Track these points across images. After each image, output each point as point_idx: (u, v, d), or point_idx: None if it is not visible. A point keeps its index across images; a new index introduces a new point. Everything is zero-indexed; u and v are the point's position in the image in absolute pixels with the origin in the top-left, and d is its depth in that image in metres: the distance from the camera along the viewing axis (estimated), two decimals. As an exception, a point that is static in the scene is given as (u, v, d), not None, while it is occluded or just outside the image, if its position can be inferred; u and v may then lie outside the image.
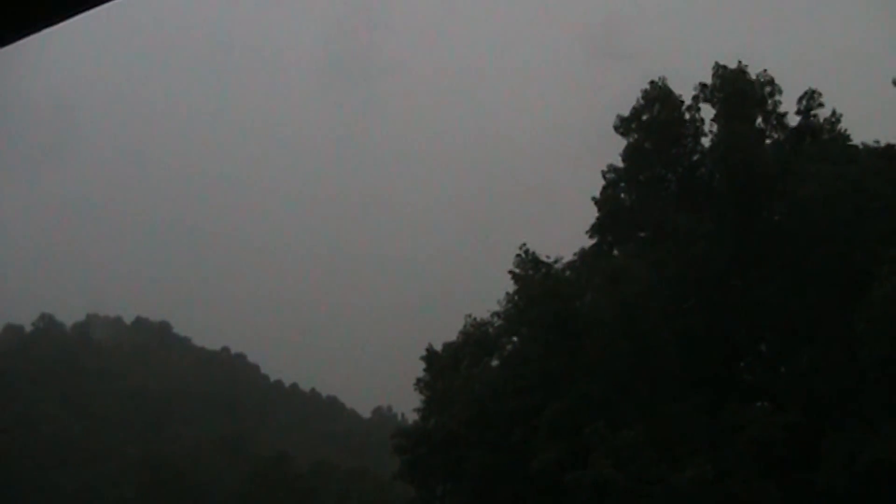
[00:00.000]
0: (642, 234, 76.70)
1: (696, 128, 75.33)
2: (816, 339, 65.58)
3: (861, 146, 71.67)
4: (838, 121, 73.49)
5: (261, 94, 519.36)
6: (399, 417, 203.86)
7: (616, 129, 76.59)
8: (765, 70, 73.61)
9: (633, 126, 75.95)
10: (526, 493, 68.79)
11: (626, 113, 76.10)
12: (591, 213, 76.77)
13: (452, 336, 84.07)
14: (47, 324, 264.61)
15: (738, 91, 72.57)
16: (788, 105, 73.91)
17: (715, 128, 74.17)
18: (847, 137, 73.23)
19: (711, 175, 74.91)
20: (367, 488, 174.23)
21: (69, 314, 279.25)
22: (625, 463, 60.99)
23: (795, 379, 66.65)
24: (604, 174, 77.23)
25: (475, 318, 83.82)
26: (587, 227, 77.05)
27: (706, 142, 75.23)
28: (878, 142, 70.00)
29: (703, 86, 74.14)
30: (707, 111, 74.64)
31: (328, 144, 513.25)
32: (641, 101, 75.80)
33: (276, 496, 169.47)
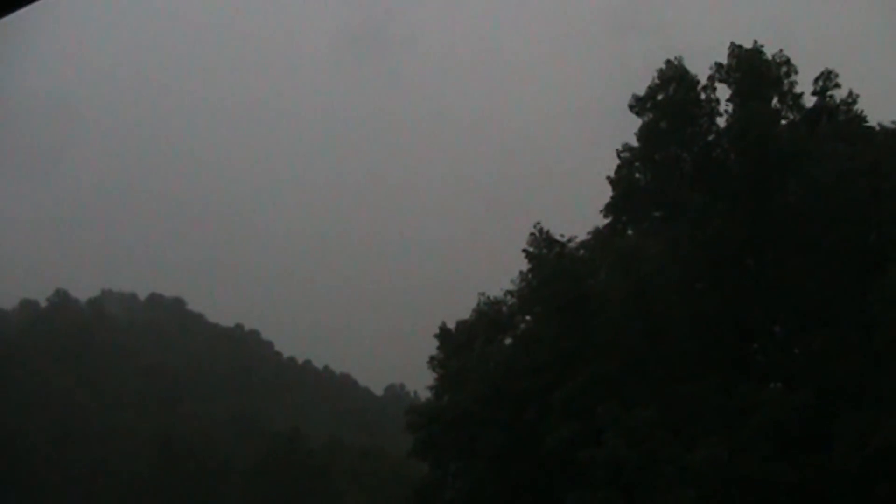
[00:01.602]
0: (657, 214, 76.58)
1: (712, 108, 75.07)
2: (831, 320, 65.54)
3: (878, 127, 71.41)
4: (855, 101, 73.15)
5: (275, 69, 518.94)
6: (412, 395, 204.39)
7: (631, 108, 76.41)
8: (781, 50, 73.41)
9: (649, 105, 75.73)
10: (539, 472, 69.08)
11: (645, 89, 75.92)
12: (607, 192, 76.71)
13: (466, 314, 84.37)
14: (62, 299, 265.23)
15: (753, 71, 72.34)
16: (804, 86, 73.72)
17: (730, 108, 73.95)
18: (863, 118, 72.92)
19: (726, 155, 74.72)
20: (380, 466, 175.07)
21: (84, 290, 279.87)
22: (638, 442, 61.13)
23: (809, 360, 66.61)
24: (618, 153, 77.10)
25: (489, 297, 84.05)
26: (602, 206, 76.97)
27: (721, 122, 74.97)
28: (894, 123, 69.72)
29: (719, 66, 73.90)
30: (723, 91, 74.45)
31: (343, 120, 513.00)
32: (657, 81, 75.58)
33: (289, 473, 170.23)
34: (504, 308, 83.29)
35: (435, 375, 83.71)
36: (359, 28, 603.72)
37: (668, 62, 75.34)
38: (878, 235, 63.50)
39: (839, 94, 73.16)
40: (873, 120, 72.22)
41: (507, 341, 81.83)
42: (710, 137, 75.20)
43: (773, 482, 60.60)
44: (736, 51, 73.07)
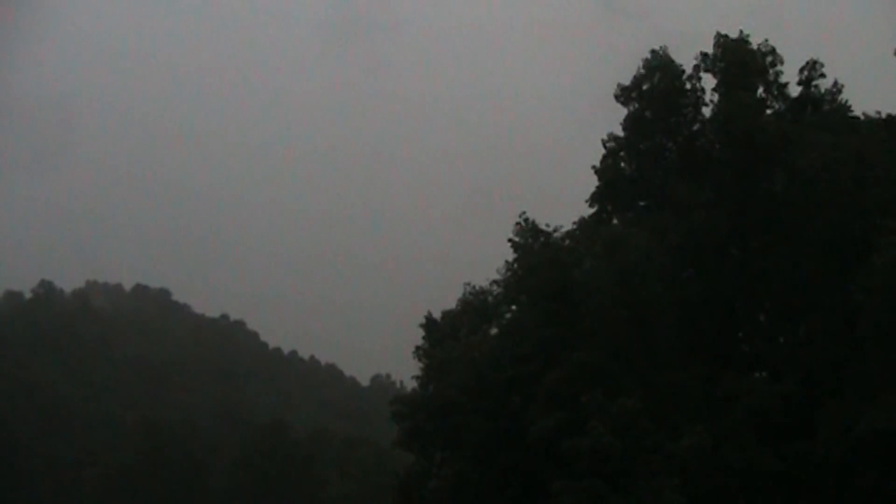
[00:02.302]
0: (642, 203, 76.71)
1: (697, 97, 75.22)
2: (815, 308, 65.70)
3: (862, 117, 71.54)
4: (839, 91, 73.35)
5: (263, 52, 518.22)
6: (398, 385, 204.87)
7: (616, 97, 76.53)
8: (766, 40, 73.52)
9: (634, 95, 75.85)
10: (524, 460, 69.09)
11: (630, 78, 76.00)
12: (592, 181, 76.85)
13: (451, 304, 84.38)
14: (47, 290, 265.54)
15: (739, 61, 72.40)
16: (790, 75, 73.85)
17: (715, 97, 74.08)
18: (848, 108, 73.09)
19: (711, 145, 74.90)
20: (365, 455, 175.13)
21: (69, 281, 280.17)
22: (622, 431, 61.15)
23: (793, 349, 66.81)
24: (604, 143, 77.23)
25: (474, 287, 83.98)
26: (588, 195, 77.04)
27: (707, 111, 75.13)
28: (879, 112, 69.84)
29: (704, 55, 73.99)
30: (708, 81, 74.57)
31: (331, 104, 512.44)
32: (642, 70, 75.67)
33: (275, 463, 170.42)
34: (489, 298, 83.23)
35: (420, 365, 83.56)
36: (343, 14, 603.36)
37: (653, 52, 75.50)
38: (863, 224, 63.49)
39: (824, 84, 73.42)
40: (858, 110, 72.45)
41: (493, 331, 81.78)
42: (696, 127, 75.38)
43: (757, 470, 60.88)
44: (721, 40, 73.12)
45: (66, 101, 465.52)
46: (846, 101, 73.14)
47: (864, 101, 72.91)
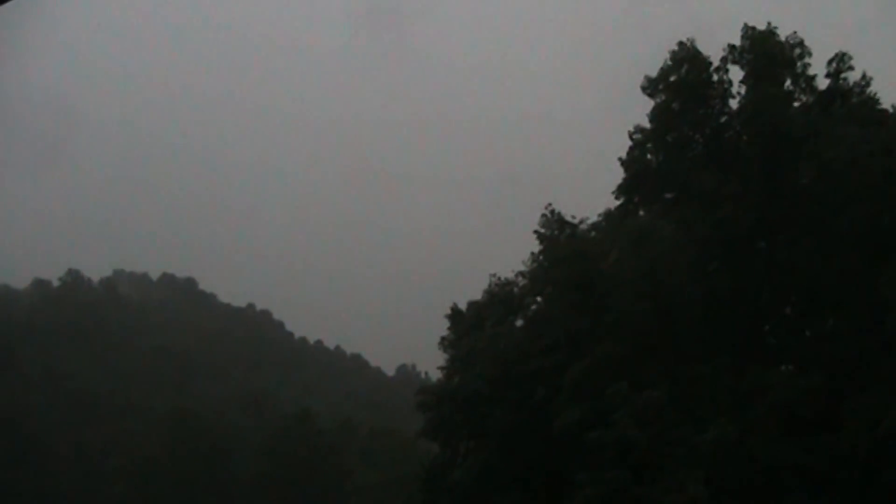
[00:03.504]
0: (668, 196, 76.47)
1: (724, 89, 74.89)
2: (842, 303, 65.49)
3: (891, 110, 71.15)
4: (868, 84, 72.83)
5: (290, 39, 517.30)
6: (423, 376, 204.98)
7: (643, 89, 76.30)
8: (794, 32, 73.16)
9: (661, 87, 75.63)
10: (548, 452, 69.20)
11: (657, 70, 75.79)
12: (620, 172, 76.73)
13: (477, 295, 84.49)
14: (74, 279, 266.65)
15: (766, 53, 72.13)
16: (818, 68, 73.49)
17: (743, 90, 73.80)
18: (877, 101, 72.62)
19: (739, 137, 74.63)
20: (390, 446, 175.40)
21: (96, 270, 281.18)
22: (647, 423, 61.21)
23: (819, 343, 66.58)
24: (630, 135, 77.06)
25: (500, 278, 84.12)
26: (615, 186, 76.96)
27: (734, 104, 74.85)
28: (908, 106, 69.51)
29: (732, 47, 73.70)
30: (735, 73, 74.31)
31: (357, 93, 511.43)
32: (669, 62, 75.46)
33: (300, 453, 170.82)
34: (515, 289, 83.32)
35: (446, 356, 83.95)
36: (370, 2, 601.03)
37: (681, 43, 75.20)
38: (891, 218, 63.23)
39: (853, 77, 73.02)
40: (887, 103, 72.04)
41: (518, 322, 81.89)
42: (723, 119, 75.06)
43: (781, 464, 60.70)
44: (749, 32, 72.88)
45: (78, 94, 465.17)
46: (875, 94, 72.73)
47: (893, 93, 72.51)
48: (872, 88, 72.66)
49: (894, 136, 66.67)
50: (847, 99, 72.83)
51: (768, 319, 72.77)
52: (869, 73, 72.42)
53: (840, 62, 72.90)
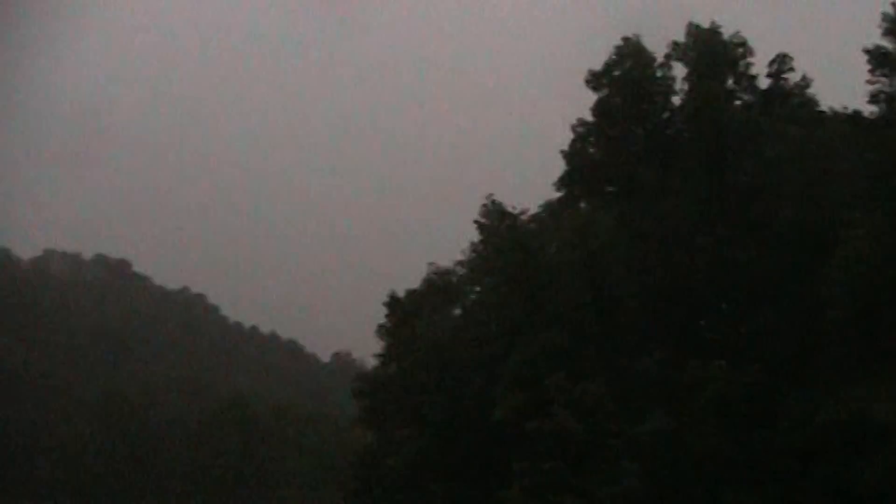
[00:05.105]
0: (609, 189, 76.93)
1: (668, 85, 75.52)
2: (779, 298, 66.23)
3: (829, 111, 72.06)
4: (808, 85, 73.78)
5: (241, 15, 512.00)
6: (359, 363, 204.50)
7: (587, 83, 76.60)
8: (738, 31, 73.80)
9: (605, 81, 76.01)
10: (486, 442, 69.45)
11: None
12: (561, 164, 76.98)
13: (416, 284, 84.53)
14: (3, 258, 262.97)
15: (710, 51, 72.70)
16: (759, 68, 74.24)
17: (686, 86, 74.39)
18: (816, 102, 73.60)
19: (680, 133, 75.18)
20: (324, 432, 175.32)
21: (26, 249, 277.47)
22: (585, 414, 61.60)
23: (756, 338, 67.28)
24: (573, 128, 77.35)
25: (439, 267, 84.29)
26: (555, 177, 77.21)
27: (676, 100, 75.45)
28: (846, 108, 70.35)
29: (676, 44, 74.27)
30: (679, 70, 74.88)
31: (307, 71, 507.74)
32: (614, 57, 75.84)
33: (233, 438, 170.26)
34: (454, 278, 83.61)
35: (383, 344, 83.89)
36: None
37: (625, 39, 75.63)
38: (829, 216, 64.09)
39: (793, 78, 73.84)
40: (824, 105, 72.97)
41: (457, 311, 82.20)
42: (665, 115, 75.68)
43: (718, 457, 61.34)
44: (693, 30, 73.44)
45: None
46: (814, 96, 73.70)
47: (832, 96, 73.48)
48: (811, 90, 73.69)
49: (833, 137, 67.58)
50: (787, 99, 73.70)
51: (705, 314, 73.37)
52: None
53: (781, 63, 73.74)
